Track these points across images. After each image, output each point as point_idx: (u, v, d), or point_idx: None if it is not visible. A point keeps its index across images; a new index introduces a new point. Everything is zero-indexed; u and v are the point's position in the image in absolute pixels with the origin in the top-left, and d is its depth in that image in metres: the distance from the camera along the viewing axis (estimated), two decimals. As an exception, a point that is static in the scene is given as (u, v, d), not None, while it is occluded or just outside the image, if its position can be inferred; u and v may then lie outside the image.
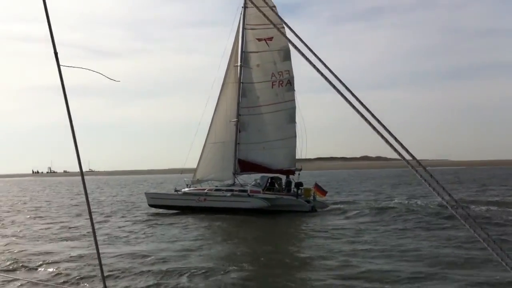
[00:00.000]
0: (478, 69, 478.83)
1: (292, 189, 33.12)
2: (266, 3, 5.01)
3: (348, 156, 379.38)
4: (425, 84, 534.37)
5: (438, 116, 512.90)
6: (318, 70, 4.92)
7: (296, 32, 5.06)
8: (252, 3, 5.10)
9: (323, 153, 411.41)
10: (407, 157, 4.78)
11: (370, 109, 4.85)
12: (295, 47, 4.90)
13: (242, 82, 34.21)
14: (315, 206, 32.36)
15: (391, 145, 4.79)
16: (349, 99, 4.86)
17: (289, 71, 33.74)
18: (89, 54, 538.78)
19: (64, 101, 4.55)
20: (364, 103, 4.85)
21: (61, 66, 4.44)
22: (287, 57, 33.65)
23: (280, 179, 33.92)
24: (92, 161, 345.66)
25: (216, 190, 33.16)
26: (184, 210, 32.50)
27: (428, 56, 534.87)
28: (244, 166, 34.34)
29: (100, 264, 5.05)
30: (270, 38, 33.42)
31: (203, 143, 34.72)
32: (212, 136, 34.44)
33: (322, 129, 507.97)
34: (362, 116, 4.80)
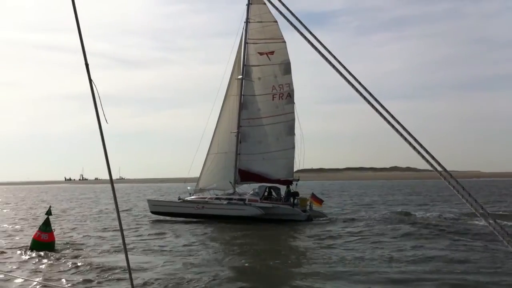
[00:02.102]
0: (508, 79, 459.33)
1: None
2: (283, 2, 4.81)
3: (377, 167, 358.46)
4: (453, 94, 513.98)
5: (467, 126, 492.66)
6: (348, 81, 4.74)
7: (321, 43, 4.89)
8: (278, 12, 4.88)
9: (353, 163, 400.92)
10: (439, 168, 4.60)
11: (399, 120, 4.67)
12: (325, 58, 4.72)
13: (243, 95, 34.23)
14: (311, 216, 32.20)
15: (423, 157, 4.60)
16: (379, 110, 4.70)
17: (289, 84, 33.77)
18: (116, 63, 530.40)
19: (94, 109, 4.36)
20: (392, 114, 4.68)
21: (91, 79, 4.30)
22: (287, 70, 33.71)
23: (279, 188, 33.83)
24: (122, 169, 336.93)
25: (216, 198, 33.13)
26: (184, 217, 32.61)
27: (455, 66, 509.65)
28: (244, 176, 34.34)
29: (129, 267, 4.85)
30: (272, 52, 33.55)
31: (206, 153, 34.75)
32: (215, 147, 34.50)
33: (351, 139, 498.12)
34: (393, 127, 4.62)
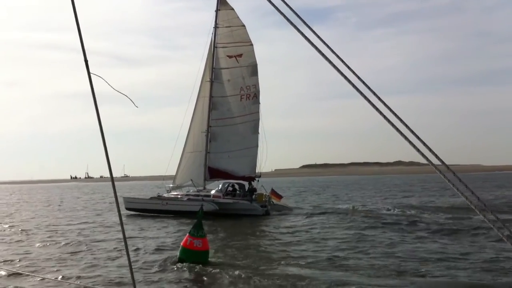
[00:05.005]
0: (509, 73, 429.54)
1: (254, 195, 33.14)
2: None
3: (382, 161, 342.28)
4: (454, 89, 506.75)
5: (469, 120, 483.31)
6: (345, 76, 4.47)
7: (319, 38, 4.63)
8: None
9: (358, 158, 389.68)
10: (436, 161, 4.39)
11: (397, 113, 4.44)
12: (322, 54, 4.45)
13: (213, 96, 34.17)
14: (268, 210, 32.22)
15: (418, 150, 4.38)
16: (376, 104, 4.45)
17: (256, 85, 33.99)
18: (116, 62, 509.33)
19: (94, 107, 4.04)
20: (391, 107, 4.45)
21: (91, 74, 4.01)
22: (254, 72, 33.90)
23: (243, 185, 33.91)
24: (127, 166, 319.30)
25: (186, 195, 33.07)
26: (153, 213, 32.36)
27: (456, 61, 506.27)
28: (213, 173, 34.39)
29: (130, 266, 4.52)
30: (240, 55, 33.67)
31: (181, 152, 34.65)
32: (189, 146, 34.52)
33: (356, 134, 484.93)
34: (388, 120, 4.38)
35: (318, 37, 4.48)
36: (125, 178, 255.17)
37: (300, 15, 4.53)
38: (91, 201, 54.06)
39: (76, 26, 4.06)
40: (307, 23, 4.53)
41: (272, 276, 13.40)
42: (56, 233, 24.60)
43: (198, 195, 32.40)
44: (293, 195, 54.93)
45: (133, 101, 4.60)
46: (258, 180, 33.90)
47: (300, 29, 4.48)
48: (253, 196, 32.80)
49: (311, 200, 45.81)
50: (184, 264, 14.72)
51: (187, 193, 33.37)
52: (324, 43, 4.47)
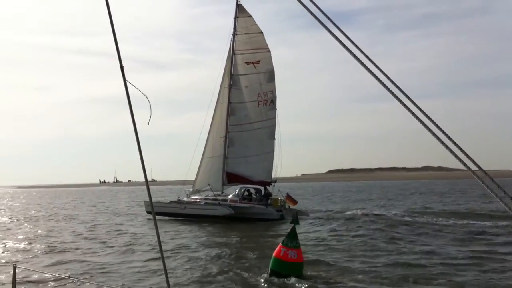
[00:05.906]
0: None
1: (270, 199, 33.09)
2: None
3: (409, 166, 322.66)
4: (480, 92, 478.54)
5: (498, 124, 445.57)
6: (379, 79, 4.31)
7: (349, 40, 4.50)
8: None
9: (384, 163, 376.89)
10: (473, 167, 4.24)
11: (432, 118, 4.30)
12: (355, 57, 4.32)
13: (231, 102, 34.34)
14: (283, 214, 31.85)
15: (455, 155, 4.22)
16: (411, 108, 4.31)
17: (273, 91, 34.08)
18: (144, 66, 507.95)
19: (129, 112, 3.97)
20: (426, 112, 4.31)
21: (126, 80, 3.93)
22: (271, 78, 34.00)
23: (260, 190, 33.88)
24: (155, 171, 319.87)
25: (205, 199, 33.25)
26: (172, 216, 32.72)
27: (485, 63, 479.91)
28: (231, 178, 34.52)
29: (165, 269, 4.45)
30: (258, 61, 33.83)
31: (201, 157, 34.83)
32: (209, 151, 34.72)
33: (383, 139, 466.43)
34: (425, 125, 4.21)
35: (350, 40, 4.34)
36: (153, 182, 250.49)
37: (331, 18, 4.42)
38: (139, 205, 54.16)
39: (112, 33, 3.99)
40: (338, 25, 4.41)
41: None
42: (136, 240, 23.52)
43: (215, 200, 32.52)
44: (355, 201, 51.86)
45: (151, 108, 4.48)
46: (273, 185, 33.83)
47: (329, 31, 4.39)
48: (269, 201, 32.79)
49: (371, 207, 42.22)
50: (279, 277, 13.17)
51: (206, 197, 33.48)
52: (356, 46, 4.33)
